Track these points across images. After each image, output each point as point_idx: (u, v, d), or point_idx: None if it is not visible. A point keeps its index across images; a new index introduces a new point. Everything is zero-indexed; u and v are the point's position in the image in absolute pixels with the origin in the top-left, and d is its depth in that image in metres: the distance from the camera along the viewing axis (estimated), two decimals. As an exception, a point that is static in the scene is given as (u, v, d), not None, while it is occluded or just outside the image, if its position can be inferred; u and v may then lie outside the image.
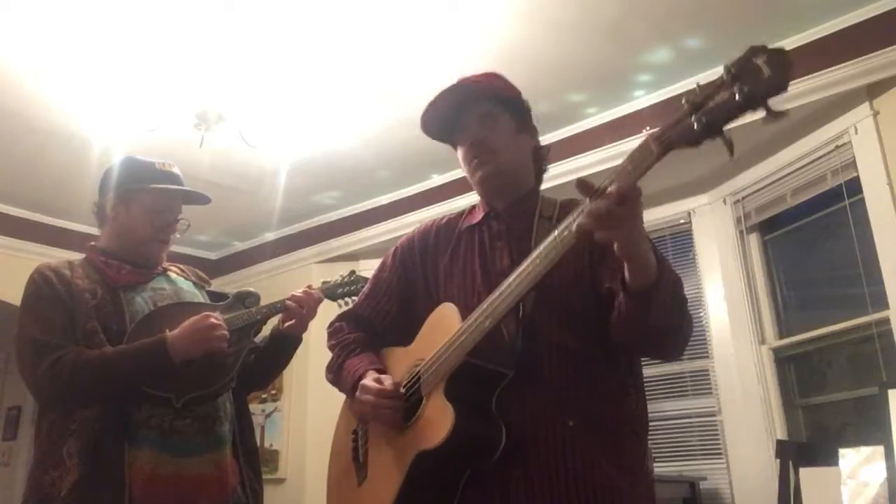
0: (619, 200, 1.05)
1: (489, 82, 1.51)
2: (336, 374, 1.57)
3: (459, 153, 1.55)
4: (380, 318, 1.61)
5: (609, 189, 1.07)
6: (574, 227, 1.14)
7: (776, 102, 0.95)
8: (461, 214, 1.62)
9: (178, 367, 1.74)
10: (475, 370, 1.29)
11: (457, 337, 1.31)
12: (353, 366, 1.50)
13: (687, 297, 1.29)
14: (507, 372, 1.30)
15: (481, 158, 1.49)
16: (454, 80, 1.50)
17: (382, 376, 1.42)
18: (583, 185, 1.09)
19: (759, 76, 0.94)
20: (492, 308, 1.27)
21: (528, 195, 1.52)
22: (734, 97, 0.95)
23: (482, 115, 1.50)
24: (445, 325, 1.37)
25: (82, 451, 1.67)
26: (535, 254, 1.23)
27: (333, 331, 1.65)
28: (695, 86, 1.01)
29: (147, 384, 1.74)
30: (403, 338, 1.51)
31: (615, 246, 1.12)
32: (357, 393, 1.43)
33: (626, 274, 1.18)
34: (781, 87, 0.93)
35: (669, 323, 1.24)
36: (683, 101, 1.01)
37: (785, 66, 0.93)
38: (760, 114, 0.96)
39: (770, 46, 0.95)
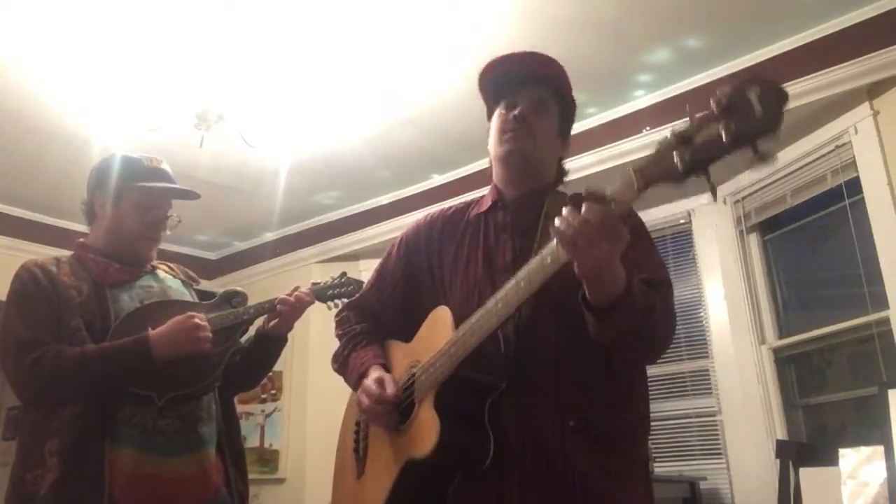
0: (588, 226, 1.04)
1: (559, 74, 1.49)
2: (342, 364, 1.58)
3: (495, 118, 1.50)
4: (384, 309, 1.61)
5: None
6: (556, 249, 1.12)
7: (766, 144, 0.90)
8: (469, 205, 1.59)
9: (160, 366, 1.72)
10: (465, 382, 1.29)
11: (447, 348, 1.31)
12: (359, 359, 1.51)
13: (663, 319, 1.26)
14: (499, 384, 1.29)
15: (518, 134, 1.44)
16: (529, 51, 1.48)
17: (386, 377, 1.42)
18: (592, 193, 1.08)
19: (749, 114, 0.89)
20: (478, 325, 1.26)
21: (541, 189, 1.49)
22: (721, 137, 0.90)
23: (539, 99, 1.47)
24: (439, 332, 1.37)
25: (63, 449, 1.66)
26: (521, 274, 1.21)
27: (340, 320, 1.66)
28: (687, 114, 0.96)
29: (129, 382, 1.73)
30: (409, 328, 1.50)
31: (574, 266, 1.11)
32: (358, 391, 1.44)
33: (586, 289, 1.17)
34: (772, 131, 0.89)
35: (628, 341, 1.22)
36: (670, 134, 0.97)
37: (777, 106, 0.88)
38: (748, 153, 0.91)
39: (766, 78, 0.91)
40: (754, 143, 0.90)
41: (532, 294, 1.19)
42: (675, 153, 0.95)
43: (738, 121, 0.90)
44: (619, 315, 1.16)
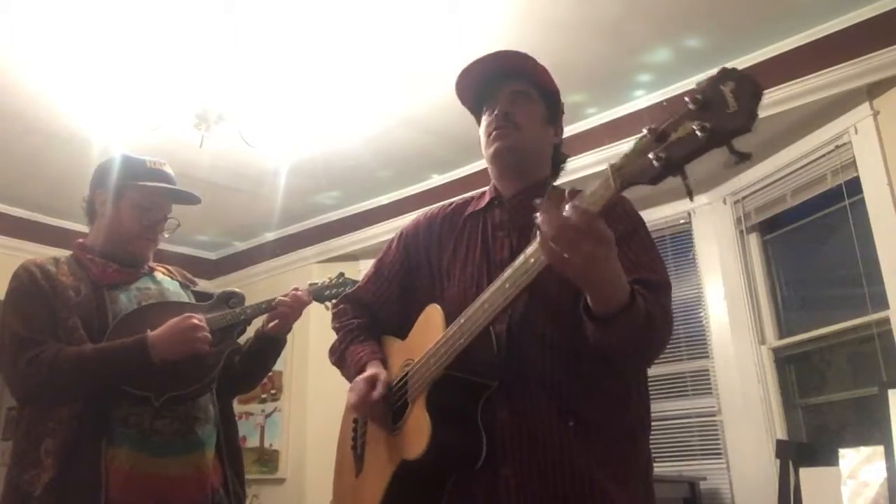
0: (565, 228, 1.01)
1: (534, 66, 1.49)
2: (339, 358, 1.58)
3: (482, 123, 1.51)
4: (379, 304, 1.60)
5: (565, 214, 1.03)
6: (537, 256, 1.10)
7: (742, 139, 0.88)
8: (468, 201, 1.59)
9: (157, 367, 1.73)
10: (456, 382, 1.29)
11: (437, 348, 1.30)
12: (357, 353, 1.51)
13: (661, 325, 1.23)
14: (491, 383, 1.29)
15: (503, 130, 1.44)
16: (498, 49, 1.47)
17: (380, 375, 1.41)
18: (571, 193, 1.06)
19: (723, 110, 0.87)
20: (467, 326, 1.25)
21: (538, 185, 1.48)
22: (696, 134, 0.88)
23: (517, 92, 1.47)
24: (430, 330, 1.36)
25: (59, 449, 1.66)
26: (506, 274, 1.19)
27: (337, 312, 1.66)
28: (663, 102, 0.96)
29: (126, 382, 1.73)
30: (406, 324, 1.49)
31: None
32: (349, 387, 1.44)
33: (588, 297, 1.16)
34: (745, 128, 0.86)
35: (627, 348, 1.21)
36: (645, 131, 0.95)
37: (751, 102, 0.86)
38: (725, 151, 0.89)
39: (740, 71, 0.89)
40: (729, 141, 0.87)
41: (520, 293, 1.18)
42: (651, 152, 0.93)
43: (712, 118, 0.87)
44: (619, 325, 1.15)
